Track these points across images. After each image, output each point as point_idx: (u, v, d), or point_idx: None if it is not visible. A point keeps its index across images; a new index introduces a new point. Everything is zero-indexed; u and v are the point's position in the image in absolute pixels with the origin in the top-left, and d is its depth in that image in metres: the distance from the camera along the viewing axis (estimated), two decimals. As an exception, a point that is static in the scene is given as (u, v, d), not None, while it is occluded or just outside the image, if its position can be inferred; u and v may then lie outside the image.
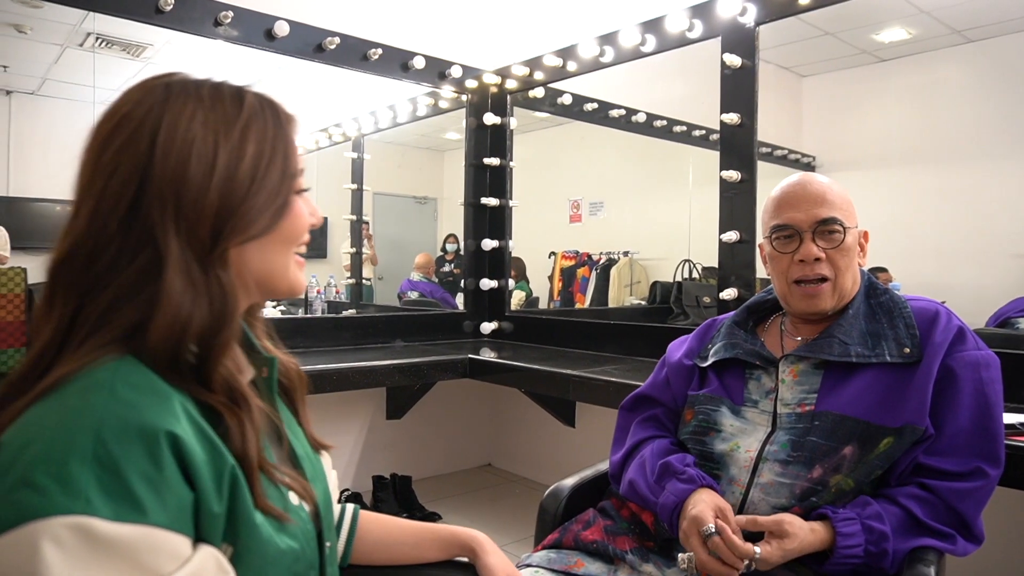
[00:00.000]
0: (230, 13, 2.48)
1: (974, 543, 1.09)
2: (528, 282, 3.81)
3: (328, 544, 0.77)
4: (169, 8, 2.37)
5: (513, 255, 3.42)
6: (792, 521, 1.05)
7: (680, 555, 1.10)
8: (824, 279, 1.22)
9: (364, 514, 0.96)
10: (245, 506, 0.61)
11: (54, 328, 0.60)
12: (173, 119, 0.62)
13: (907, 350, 1.15)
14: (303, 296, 3.12)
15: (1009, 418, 1.35)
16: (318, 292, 3.16)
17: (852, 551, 1.04)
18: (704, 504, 1.10)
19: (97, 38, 2.96)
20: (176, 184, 0.61)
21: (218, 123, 0.64)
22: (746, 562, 1.04)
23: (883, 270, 2.50)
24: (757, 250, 1.39)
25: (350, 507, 0.95)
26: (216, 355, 0.63)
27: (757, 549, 1.02)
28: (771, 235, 1.27)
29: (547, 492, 1.37)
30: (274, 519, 0.65)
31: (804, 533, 1.05)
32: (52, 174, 2.96)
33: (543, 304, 3.85)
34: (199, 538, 0.58)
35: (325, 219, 3.70)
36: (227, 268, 0.64)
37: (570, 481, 1.38)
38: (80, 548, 0.49)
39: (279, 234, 0.68)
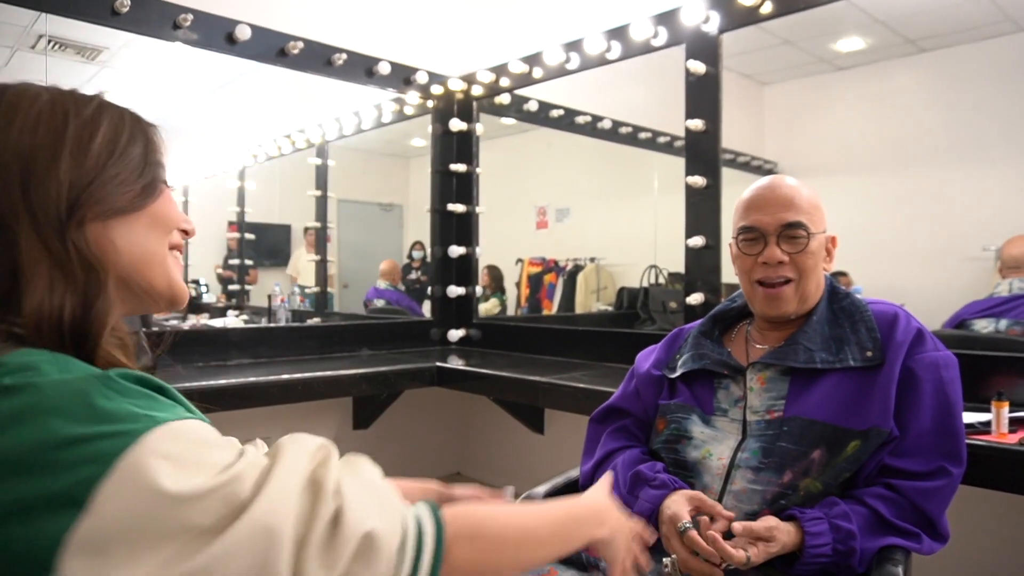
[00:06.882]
0: (189, 16, 2.42)
1: (940, 541, 1.11)
2: (504, 292, 3.77)
3: None
4: (126, 10, 2.31)
5: (490, 264, 3.38)
6: (780, 527, 1.06)
7: (664, 559, 1.09)
8: (788, 280, 1.23)
9: None
10: None
11: None
12: (18, 94, 0.62)
13: (869, 353, 1.16)
14: (267, 304, 3.06)
15: (968, 417, 1.38)
16: (281, 300, 3.10)
17: (820, 550, 1.05)
18: (677, 504, 1.11)
19: (49, 40, 2.87)
20: (22, 157, 0.60)
21: (67, 103, 0.64)
22: (726, 564, 1.04)
23: (843, 274, 2.55)
24: (724, 253, 1.40)
25: None
26: (94, 331, 0.60)
27: (749, 555, 1.02)
28: (737, 236, 1.28)
29: (519, 500, 1.35)
30: None
31: (786, 537, 1.06)
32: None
33: (510, 311, 3.84)
34: None
35: (288, 227, 3.64)
36: (86, 237, 0.61)
37: (542, 488, 1.37)
38: (171, 448, 0.51)
39: (150, 215, 0.67)
